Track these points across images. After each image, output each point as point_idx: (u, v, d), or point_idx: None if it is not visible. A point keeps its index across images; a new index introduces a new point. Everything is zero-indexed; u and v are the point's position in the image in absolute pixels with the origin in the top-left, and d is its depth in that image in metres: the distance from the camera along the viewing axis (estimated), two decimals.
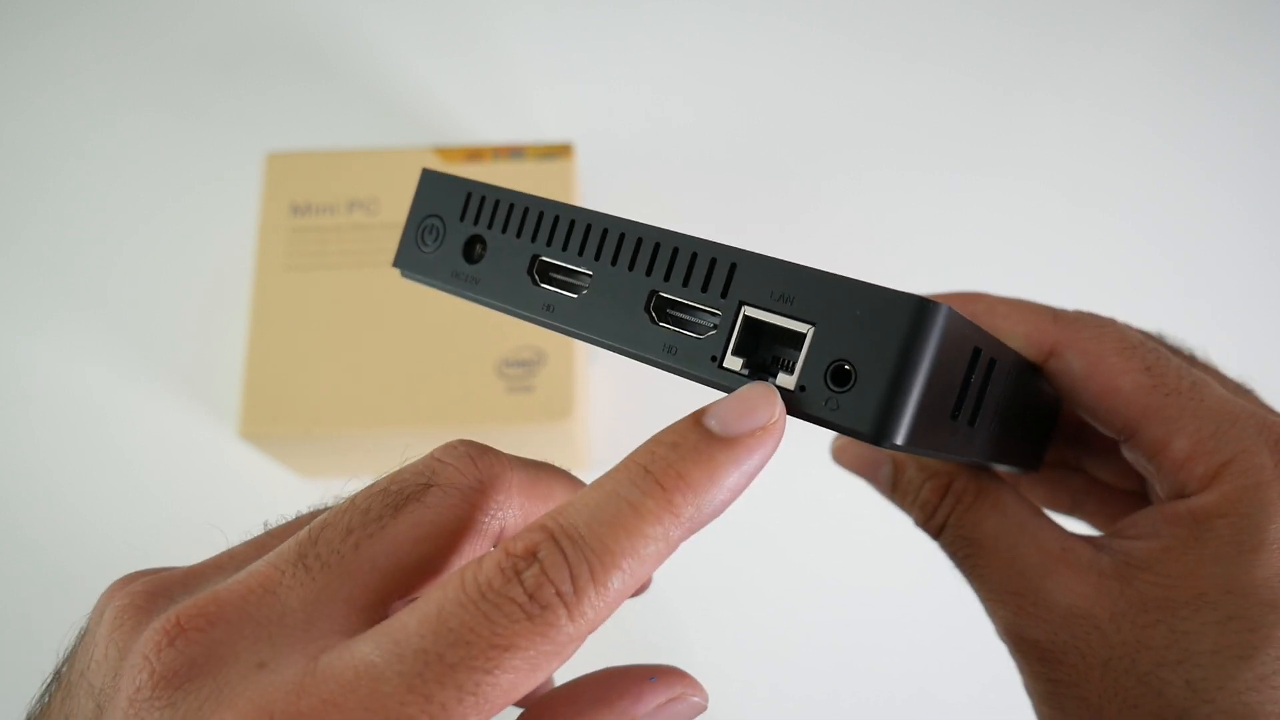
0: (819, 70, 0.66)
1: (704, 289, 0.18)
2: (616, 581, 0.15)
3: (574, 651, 0.15)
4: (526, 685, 0.15)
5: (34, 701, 0.18)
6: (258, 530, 0.20)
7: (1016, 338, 0.24)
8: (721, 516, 0.17)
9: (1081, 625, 0.22)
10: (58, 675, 0.18)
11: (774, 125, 0.64)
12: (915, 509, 0.26)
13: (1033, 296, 0.26)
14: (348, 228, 0.51)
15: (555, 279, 0.20)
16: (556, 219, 0.20)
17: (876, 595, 0.52)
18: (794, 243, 0.59)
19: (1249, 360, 0.31)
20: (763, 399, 0.17)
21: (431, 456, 0.18)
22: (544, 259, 0.20)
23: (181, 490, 0.54)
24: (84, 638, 0.18)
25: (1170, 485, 0.23)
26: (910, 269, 0.59)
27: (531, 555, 0.15)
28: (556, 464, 0.21)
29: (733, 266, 0.18)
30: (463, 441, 0.19)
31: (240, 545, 0.19)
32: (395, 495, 0.18)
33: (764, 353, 0.18)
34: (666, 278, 0.18)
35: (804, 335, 0.17)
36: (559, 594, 0.15)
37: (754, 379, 0.17)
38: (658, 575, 0.17)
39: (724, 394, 0.17)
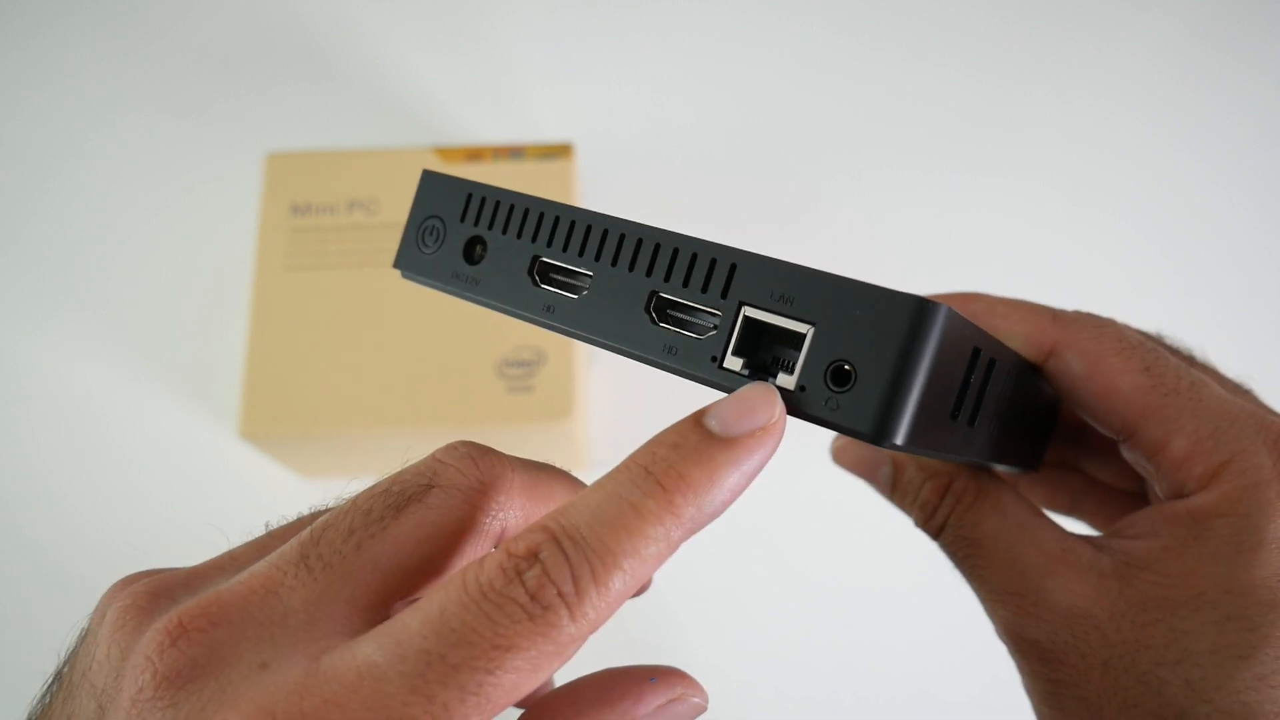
0: (819, 70, 0.66)
1: (704, 289, 0.18)
2: (618, 582, 0.15)
3: (575, 652, 0.15)
4: (528, 685, 0.15)
5: (35, 702, 0.18)
6: (259, 531, 0.20)
7: (1016, 338, 0.24)
8: (722, 517, 0.17)
9: (1081, 625, 0.22)
10: (59, 676, 0.18)
11: (774, 125, 0.64)
12: (915, 509, 0.26)
13: (1033, 296, 0.26)
14: (348, 228, 0.51)
15: (555, 280, 0.20)
16: (557, 220, 0.20)
17: (876, 595, 0.52)
18: (794, 243, 0.59)
19: (1249, 360, 0.31)
20: (763, 399, 0.17)
21: (433, 457, 0.18)
22: (544, 260, 0.20)
23: (181, 490, 0.54)
24: (85, 638, 0.18)
25: (1169, 485, 0.23)
26: (910, 269, 0.59)
27: (533, 556, 0.15)
28: (557, 464, 0.21)
29: (733, 267, 0.18)
30: (464, 442, 0.19)
31: (241, 546, 0.19)
32: (397, 496, 0.18)
33: (764, 353, 0.18)
34: (667, 278, 0.18)
35: (804, 335, 0.17)
36: (560, 594, 0.15)
37: (754, 379, 0.17)
38: (658, 576, 0.18)
39: (724, 394, 0.17)
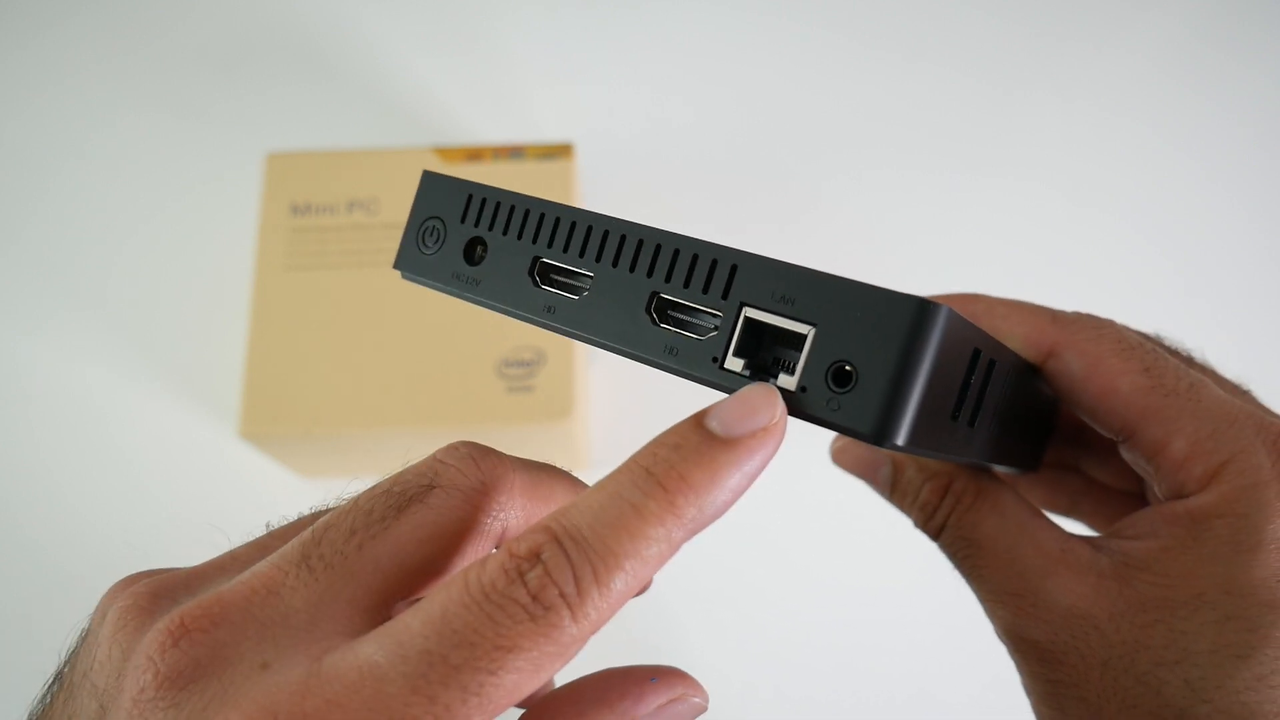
0: (819, 70, 0.66)
1: (705, 290, 0.18)
2: (619, 582, 0.15)
3: (577, 652, 0.15)
4: (530, 686, 0.15)
5: (35, 702, 0.18)
6: (259, 531, 0.20)
7: (1015, 339, 0.24)
8: (723, 517, 0.17)
9: (1081, 625, 0.22)
10: (59, 676, 0.18)
11: (774, 125, 0.64)
12: (915, 510, 0.26)
13: (1033, 296, 0.26)
14: (348, 228, 0.51)
15: (556, 280, 0.20)
16: (557, 220, 0.20)
17: (877, 595, 0.52)
18: (794, 243, 0.59)
19: (1249, 360, 0.31)
20: (764, 400, 0.17)
21: (434, 458, 0.18)
22: (545, 260, 0.20)
23: (181, 490, 0.54)
24: (86, 638, 0.18)
25: (1168, 485, 0.23)
26: (910, 269, 0.59)
27: (535, 556, 0.15)
28: (557, 464, 0.21)
29: (734, 268, 0.18)
30: (465, 443, 0.19)
31: (242, 546, 0.19)
32: (398, 496, 0.18)
33: (765, 354, 0.18)
34: (667, 279, 0.18)
35: (805, 336, 0.17)
36: (562, 595, 0.15)
37: (755, 380, 0.17)
38: (659, 576, 0.18)
39: (725, 395, 0.17)
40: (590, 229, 0.19)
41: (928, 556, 0.27)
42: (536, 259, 0.20)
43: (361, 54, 0.66)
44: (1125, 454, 0.24)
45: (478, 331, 0.48)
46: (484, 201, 0.21)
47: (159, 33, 0.67)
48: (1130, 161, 0.63)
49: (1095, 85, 0.65)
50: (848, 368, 0.16)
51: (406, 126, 0.64)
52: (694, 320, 0.18)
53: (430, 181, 0.22)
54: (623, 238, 0.19)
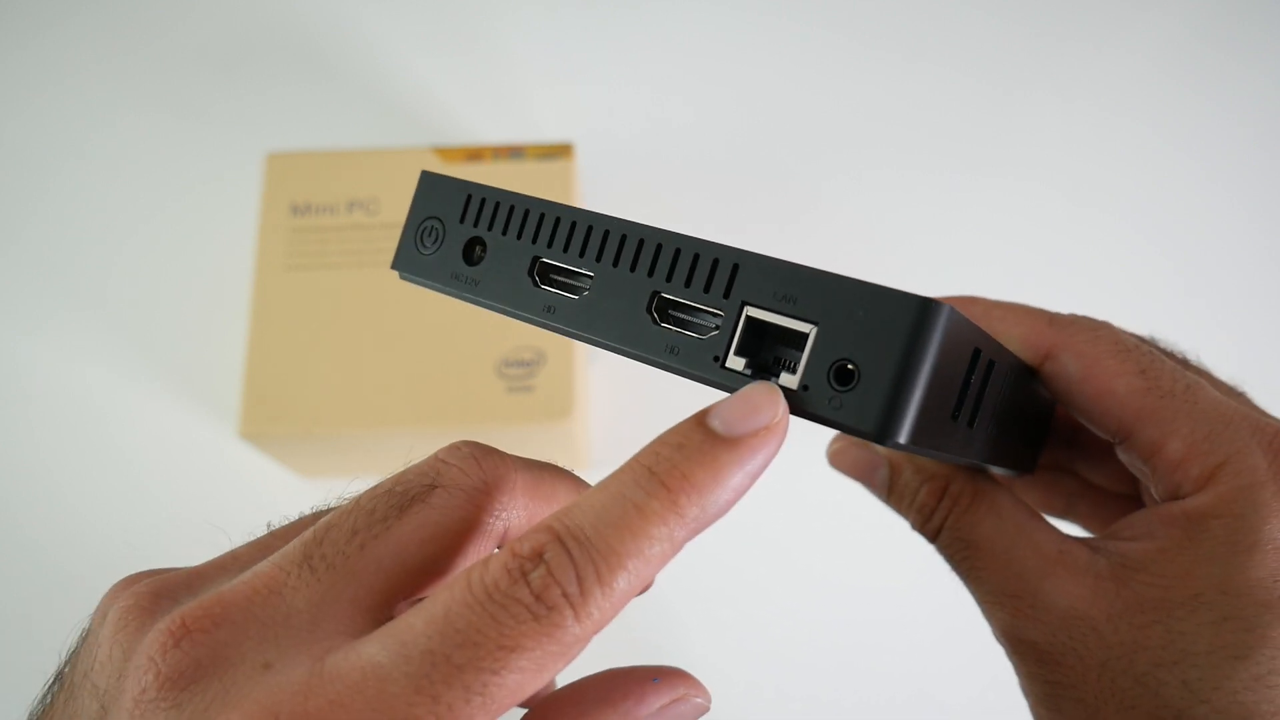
0: (819, 70, 0.66)
1: (706, 290, 0.18)
2: (622, 582, 0.15)
3: (580, 652, 0.15)
4: (533, 686, 0.15)
5: (36, 702, 0.18)
6: (260, 531, 0.20)
7: (1012, 341, 0.24)
8: (724, 517, 0.17)
9: (1079, 627, 0.22)
10: (60, 676, 0.18)
11: (774, 125, 0.64)
12: (912, 512, 0.26)
13: (1032, 297, 0.26)
14: (348, 228, 0.51)
15: (556, 280, 0.20)
16: (557, 220, 0.20)
17: (877, 595, 0.52)
18: (794, 243, 0.59)
19: (1248, 360, 0.31)
20: (766, 398, 0.17)
21: (436, 457, 0.18)
22: (544, 260, 0.20)
23: (181, 490, 0.54)
24: (87, 638, 0.18)
25: (1165, 487, 0.23)
26: (910, 269, 0.59)
27: (538, 556, 0.15)
28: (558, 464, 0.21)
29: (735, 267, 0.18)
30: (467, 443, 0.19)
31: (243, 546, 0.19)
32: (400, 496, 0.18)
33: (766, 353, 0.18)
34: (668, 279, 0.18)
35: (807, 335, 0.17)
36: (565, 595, 0.15)
37: (757, 379, 0.17)
38: (661, 576, 0.18)
39: (726, 394, 0.17)
40: (590, 229, 0.19)
41: (927, 557, 0.27)
42: (536, 259, 0.20)
43: (361, 54, 0.66)
44: (1122, 455, 0.24)
45: (478, 331, 0.48)
46: (483, 201, 0.21)
47: (159, 33, 0.67)
48: (1130, 161, 0.63)
49: (1095, 85, 0.65)
50: (850, 366, 0.16)
51: (406, 126, 0.64)
52: (695, 320, 0.18)
53: (428, 182, 0.22)
54: (623, 237, 0.19)
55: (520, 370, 0.47)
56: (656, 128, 0.64)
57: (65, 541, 0.53)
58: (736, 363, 0.18)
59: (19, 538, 0.53)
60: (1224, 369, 0.26)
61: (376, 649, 0.15)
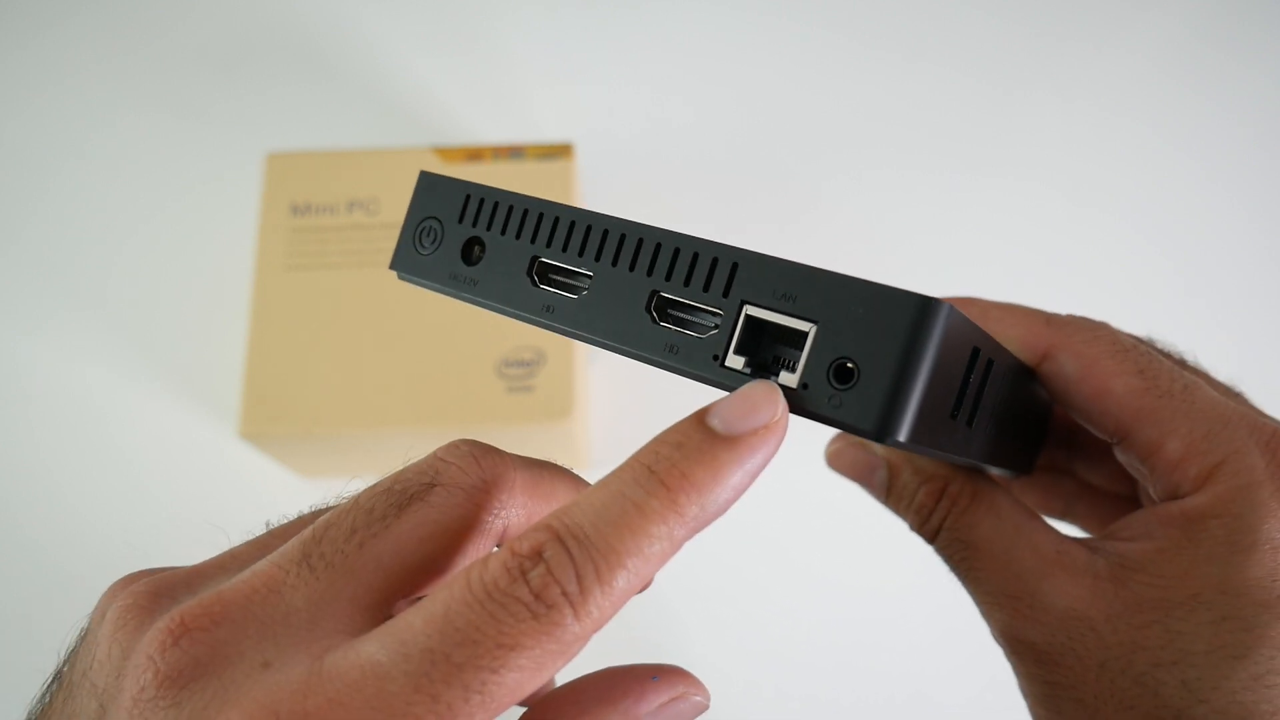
0: (819, 70, 0.66)
1: (705, 289, 0.18)
2: (622, 581, 0.15)
3: (579, 650, 0.15)
4: (532, 684, 0.15)
5: (35, 702, 0.18)
6: (260, 530, 0.20)
7: (1011, 341, 0.24)
8: (724, 515, 0.17)
9: (1078, 627, 0.22)
10: (59, 675, 0.18)
11: (774, 125, 0.64)
12: (910, 513, 0.26)
13: (1032, 297, 0.26)
14: (348, 228, 0.51)
15: (555, 280, 0.20)
16: (556, 220, 0.20)
17: (877, 595, 0.52)
18: (794, 242, 0.59)
19: (1248, 360, 0.31)
20: (765, 397, 0.17)
21: (435, 456, 0.18)
22: (543, 260, 0.20)
23: (181, 490, 0.54)
24: (86, 638, 0.18)
25: (1163, 487, 0.23)
26: (910, 269, 0.59)
27: (537, 555, 0.15)
28: (558, 463, 0.21)
29: (734, 266, 0.18)
30: (466, 441, 0.19)
31: (242, 545, 0.19)
32: (399, 495, 0.18)
33: (766, 352, 0.18)
34: (668, 278, 0.18)
35: (806, 334, 0.17)
36: (565, 594, 0.15)
37: (756, 377, 0.17)
38: (660, 574, 0.18)
39: (726, 393, 0.17)
40: (589, 228, 0.19)
41: (926, 557, 0.27)
42: (535, 259, 0.20)
43: (361, 54, 0.66)
44: (1120, 455, 0.24)
45: (478, 331, 0.48)
46: (482, 201, 0.21)
47: (159, 33, 0.67)
48: (1130, 161, 0.63)
49: (1095, 85, 0.65)
50: (849, 364, 0.16)
51: (406, 126, 0.64)
52: (694, 319, 0.18)
53: (427, 182, 0.22)
54: (622, 236, 0.19)
55: (520, 370, 0.47)
56: (656, 128, 0.64)
57: (65, 541, 0.53)
58: (736, 361, 0.18)
59: (19, 538, 0.53)
60: (1223, 369, 0.26)
61: (376, 647, 0.15)
